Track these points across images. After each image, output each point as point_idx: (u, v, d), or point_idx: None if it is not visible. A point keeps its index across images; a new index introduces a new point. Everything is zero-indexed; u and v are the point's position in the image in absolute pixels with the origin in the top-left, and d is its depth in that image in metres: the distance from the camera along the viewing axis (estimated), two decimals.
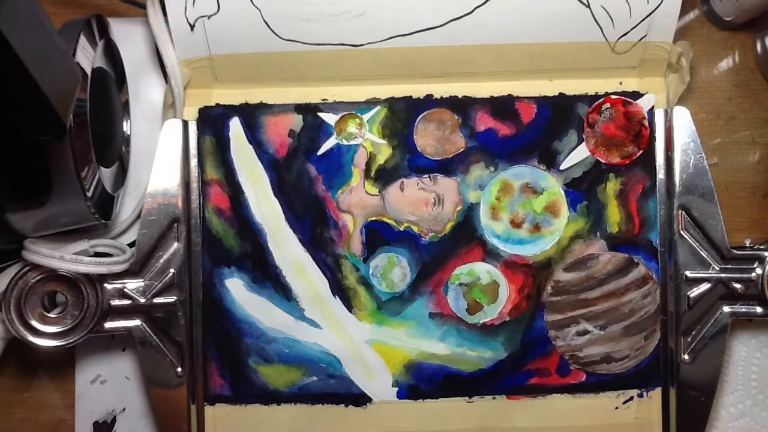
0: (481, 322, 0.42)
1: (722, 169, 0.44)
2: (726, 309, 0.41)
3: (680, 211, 0.41)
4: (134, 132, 0.43)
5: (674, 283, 0.41)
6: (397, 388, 0.42)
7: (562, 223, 0.42)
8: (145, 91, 0.43)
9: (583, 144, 0.42)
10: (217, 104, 0.42)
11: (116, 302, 0.39)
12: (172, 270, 0.40)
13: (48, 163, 0.33)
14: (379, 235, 0.42)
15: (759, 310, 0.41)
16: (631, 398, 0.42)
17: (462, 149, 0.42)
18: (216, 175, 0.42)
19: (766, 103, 0.45)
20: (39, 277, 0.38)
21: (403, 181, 0.42)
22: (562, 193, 0.42)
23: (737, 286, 0.40)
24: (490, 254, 0.42)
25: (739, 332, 0.44)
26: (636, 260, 0.42)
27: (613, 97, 0.42)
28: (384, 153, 0.42)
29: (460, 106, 0.42)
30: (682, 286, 0.41)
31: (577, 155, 0.42)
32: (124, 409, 0.43)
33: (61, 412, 0.43)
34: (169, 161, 0.40)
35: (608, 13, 0.40)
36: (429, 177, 0.42)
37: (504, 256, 0.42)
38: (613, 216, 0.42)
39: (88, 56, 0.36)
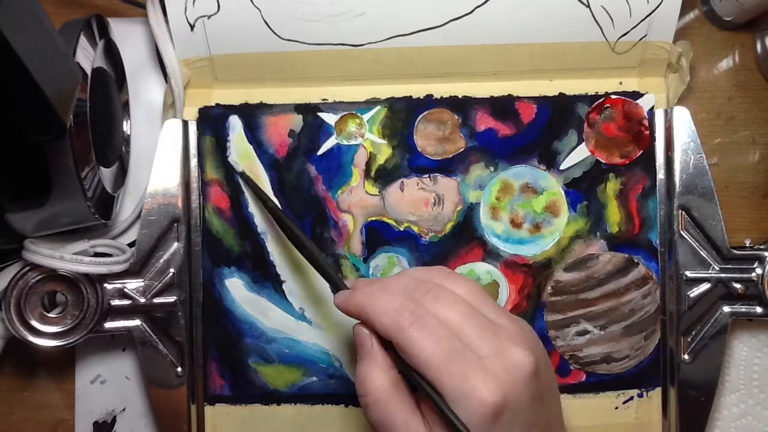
0: None
1: (722, 169, 0.44)
2: (726, 309, 0.41)
3: (680, 211, 0.41)
4: (134, 132, 0.43)
5: (674, 283, 0.41)
6: None
7: (562, 223, 0.42)
8: (145, 91, 0.43)
9: (583, 144, 0.42)
10: (217, 104, 0.42)
11: (116, 302, 0.39)
12: (172, 270, 0.40)
13: (48, 163, 0.33)
14: (379, 235, 0.42)
15: (759, 310, 0.41)
16: (631, 398, 0.42)
17: (462, 149, 0.42)
18: (216, 175, 0.42)
19: (766, 103, 0.45)
20: (39, 277, 0.38)
21: (403, 181, 0.42)
22: (562, 193, 0.42)
23: (737, 286, 0.40)
24: (490, 254, 0.42)
25: (740, 332, 0.44)
26: (636, 260, 0.42)
27: (613, 97, 0.42)
28: (384, 153, 0.42)
29: (460, 106, 0.42)
30: (682, 286, 0.41)
31: (577, 155, 0.42)
32: (124, 409, 0.43)
33: (61, 412, 0.43)
34: (169, 161, 0.40)
35: (608, 13, 0.40)
36: (429, 177, 0.42)
37: (504, 256, 0.42)
38: (613, 216, 0.42)
39: (88, 56, 0.36)
